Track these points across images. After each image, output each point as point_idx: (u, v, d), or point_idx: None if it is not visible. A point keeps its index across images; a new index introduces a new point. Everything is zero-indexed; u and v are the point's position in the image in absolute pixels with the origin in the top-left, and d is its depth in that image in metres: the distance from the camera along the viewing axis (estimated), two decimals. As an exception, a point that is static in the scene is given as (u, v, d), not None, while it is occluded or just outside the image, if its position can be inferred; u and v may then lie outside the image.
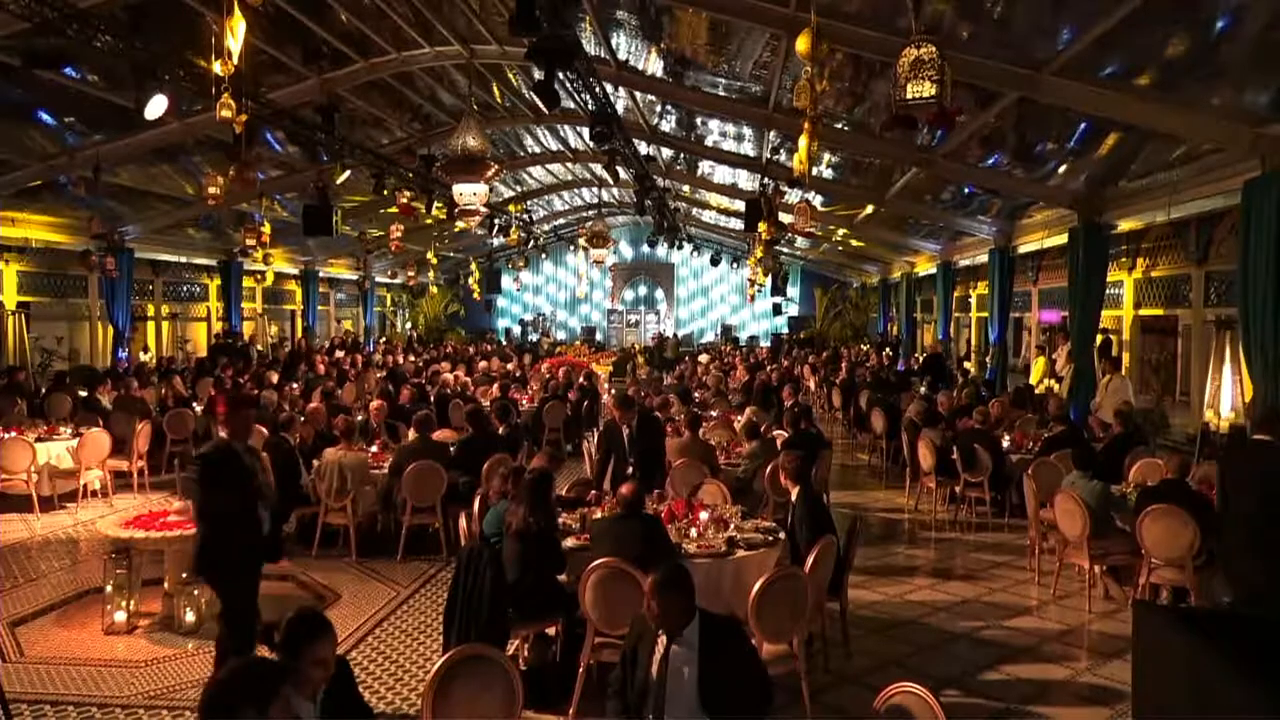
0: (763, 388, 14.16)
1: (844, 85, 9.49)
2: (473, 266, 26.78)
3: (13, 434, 9.39)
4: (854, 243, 20.51)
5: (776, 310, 28.09)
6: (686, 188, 19.65)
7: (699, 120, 13.32)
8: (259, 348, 20.04)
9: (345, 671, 3.39)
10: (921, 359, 19.44)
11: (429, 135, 14.30)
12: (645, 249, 28.09)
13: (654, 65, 10.96)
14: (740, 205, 15.49)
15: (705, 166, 16.76)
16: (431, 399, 12.80)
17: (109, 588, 6.17)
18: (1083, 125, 8.89)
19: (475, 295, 27.45)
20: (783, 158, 12.80)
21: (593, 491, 6.93)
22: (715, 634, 3.75)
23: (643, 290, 30.89)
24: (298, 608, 3.28)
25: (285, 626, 3.16)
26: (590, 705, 4.88)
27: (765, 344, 27.70)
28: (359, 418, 10.26)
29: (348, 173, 12.32)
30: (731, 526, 5.89)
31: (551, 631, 5.66)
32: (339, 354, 19.28)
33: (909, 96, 4.45)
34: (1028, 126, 9.44)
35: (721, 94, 11.22)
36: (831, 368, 19.80)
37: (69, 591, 7.04)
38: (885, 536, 9.13)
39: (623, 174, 12.31)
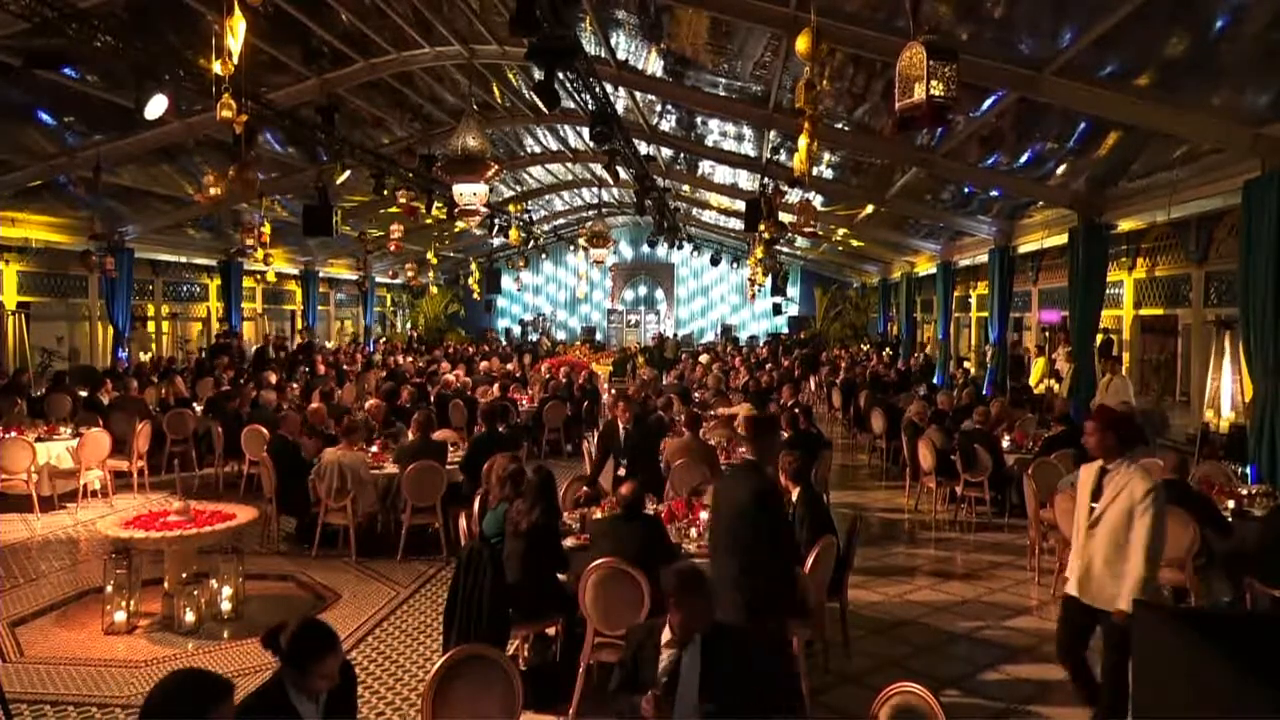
0: (761, 388, 14.18)
1: (844, 85, 9.49)
2: (473, 266, 26.77)
3: (13, 434, 9.39)
4: (854, 243, 20.51)
5: (776, 310, 28.10)
6: (686, 188, 19.65)
7: (699, 120, 13.32)
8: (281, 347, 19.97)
9: (349, 675, 3.38)
10: (921, 359, 19.49)
11: (429, 135, 14.30)
12: (645, 249, 28.10)
13: (654, 65, 10.96)
14: (740, 205, 15.49)
15: (705, 166, 16.76)
16: (431, 399, 12.80)
17: (109, 588, 6.16)
18: (1083, 125, 8.89)
19: (475, 295, 27.45)
20: (783, 158, 12.80)
21: (584, 489, 6.90)
22: (719, 639, 3.73)
23: (643, 290, 30.88)
24: (306, 616, 3.21)
25: (293, 635, 3.09)
26: (590, 705, 4.88)
27: (763, 343, 27.68)
28: (359, 418, 10.27)
29: (348, 173, 12.32)
30: (731, 526, 5.88)
31: (551, 631, 5.66)
32: (279, 354, 18.44)
33: (929, 94, 4.41)
34: (1028, 126, 9.45)
35: (721, 94, 11.22)
36: (828, 369, 19.81)
37: (69, 591, 7.04)
38: (885, 536, 9.13)
39: (623, 174, 12.30)
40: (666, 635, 3.70)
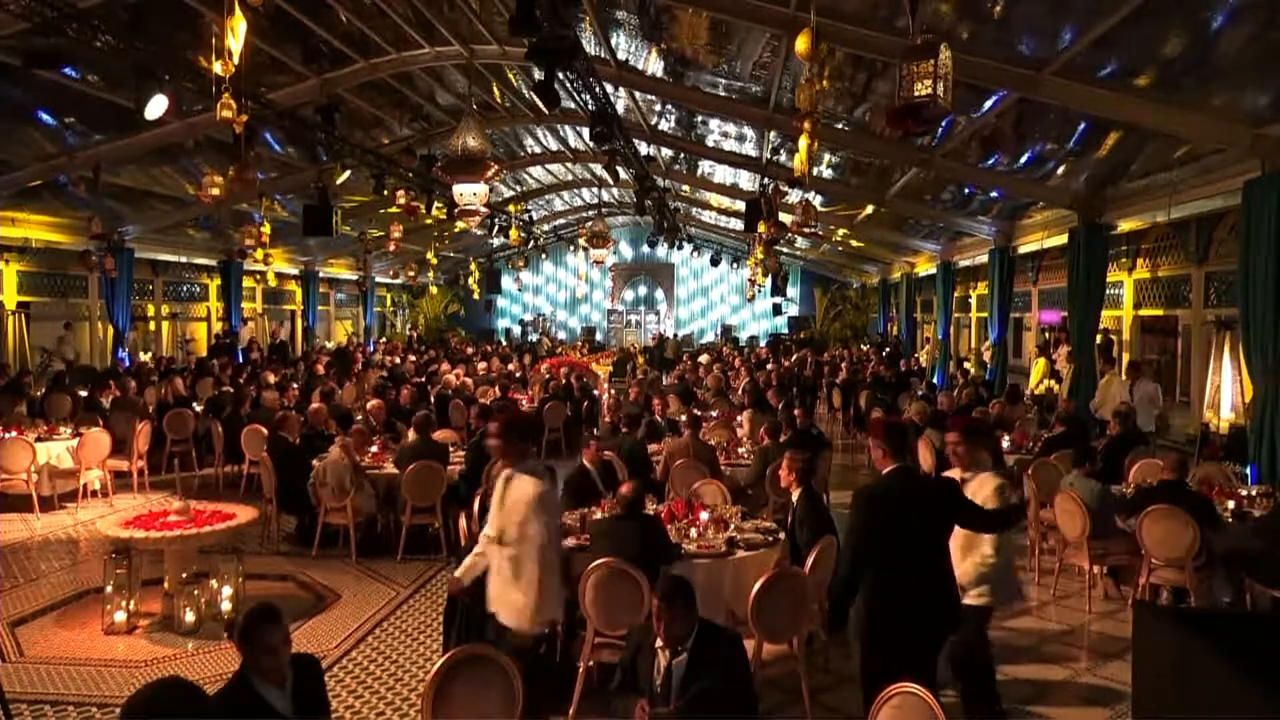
0: (760, 389, 14.18)
1: (844, 85, 9.49)
2: (473, 266, 26.77)
3: (13, 434, 9.39)
4: (854, 243, 20.49)
5: (776, 310, 28.08)
6: (686, 188, 19.64)
7: (699, 120, 13.32)
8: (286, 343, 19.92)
9: (315, 669, 3.53)
10: (921, 357, 19.49)
11: (429, 135, 14.30)
12: (645, 249, 28.05)
13: (654, 65, 10.96)
14: (740, 205, 15.49)
15: (705, 166, 16.76)
16: (431, 399, 12.80)
17: (109, 588, 6.16)
18: (1083, 125, 8.89)
19: (475, 295, 27.46)
20: (783, 158, 12.79)
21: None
22: (709, 641, 3.80)
23: (643, 290, 30.85)
24: (255, 604, 3.45)
25: (243, 619, 3.35)
26: (590, 705, 4.88)
27: (764, 344, 27.64)
28: (358, 418, 10.29)
29: (348, 173, 12.32)
30: (731, 527, 5.89)
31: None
32: (254, 355, 18.39)
33: (900, 97, 4.45)
34: (1028, 127, 9.44)
35: (721, 94, 11.22)
36: (829, 367, 19.79)
37: (69, 591, 7.04)
38: (885, 536, 9.09)
39: (623, 174, 12.30)
40: (659, 641, 3.76)
